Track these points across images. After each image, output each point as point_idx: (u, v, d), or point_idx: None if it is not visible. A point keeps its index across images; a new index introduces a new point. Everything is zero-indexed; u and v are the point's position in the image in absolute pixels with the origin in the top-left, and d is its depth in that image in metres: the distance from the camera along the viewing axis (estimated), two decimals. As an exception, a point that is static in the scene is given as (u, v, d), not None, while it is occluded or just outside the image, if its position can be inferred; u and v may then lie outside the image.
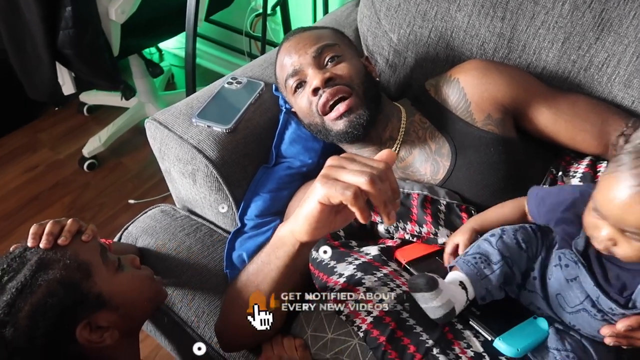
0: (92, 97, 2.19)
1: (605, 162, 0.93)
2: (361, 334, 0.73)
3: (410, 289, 0.70)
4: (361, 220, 0.60)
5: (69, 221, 0.77)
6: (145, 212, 1.13)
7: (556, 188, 0.84)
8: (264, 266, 0.74)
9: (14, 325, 0.67)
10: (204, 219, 1.14)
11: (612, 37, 0.94)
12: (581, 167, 0.93)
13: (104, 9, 1.52)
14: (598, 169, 0.92)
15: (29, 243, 0.74)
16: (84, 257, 0.74)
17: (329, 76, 0.91)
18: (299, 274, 0.80)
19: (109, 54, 1.60)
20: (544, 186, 0.90)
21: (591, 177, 0.90)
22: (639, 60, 0.92)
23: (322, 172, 0.63)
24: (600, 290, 0.66)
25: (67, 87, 1.69)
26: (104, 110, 2.21)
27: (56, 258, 0.72)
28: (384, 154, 0.63)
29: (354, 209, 0.60)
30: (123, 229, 1.10)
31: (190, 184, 1.07)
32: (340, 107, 0.90)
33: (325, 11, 1.73)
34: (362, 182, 0.59)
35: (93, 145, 1.99)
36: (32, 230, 0.75)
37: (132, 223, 1.11)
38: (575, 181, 0.91)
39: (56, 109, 2.26)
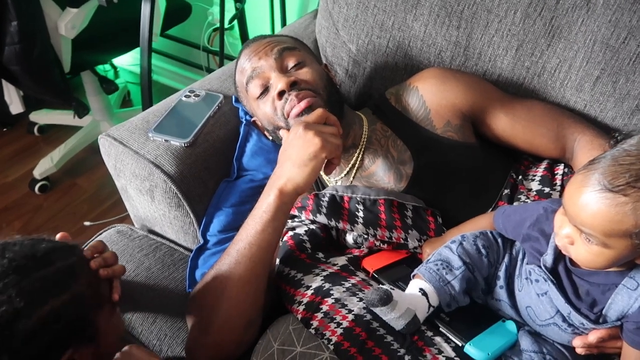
0: (43, 117, 2.10)
1: (562, 164, 0.95)
2: (331, 347, 0.70)
3: (367, 305, 0.70)
4: (327, 172, 0.86)
5: (109, 253, 0.76)
6: (100, 234, 1.08)
7: (521, 205, 0.85)
8: (258, 236, 0.79)
9: (25, 322, 0.61)
10: (164, 237, 1.09)
11: (562, 43, 0.97)
12: (540, 171, 0.94)
13: (53, 24, 1.46)
14: (555, 172, 0.94)
15: (86, 251, 0.73)
16: (103, 289, 0.73)
17: (294, 80, 0.90)
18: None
19: (60, 70, 1.54)
20: (506, 190, 0.92)
21: (549, 179, 0.92)
22: (589, 65, 0.95)
23: (312, 130, 0.80)
24: (572, 307, 0.67)
25: (15, 106, 1.61)
26: (56, 129, 2.12)
27: (88, 274, 0.70)
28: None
29: (334, 161, 0.84)
30: (77, 252, 1.05)
31: (149, 201, 1.03)
32: (302, 104, 0.88)
33: (283, 24, 1.73)
34: (339, 143, 0.83)
35: (45, 166, 1.90)
36: (94, 243, 0.77)
37: (85, 246, 1.05)
38: (534, 184, 0.92)
39: (4, 129, 2.16)
